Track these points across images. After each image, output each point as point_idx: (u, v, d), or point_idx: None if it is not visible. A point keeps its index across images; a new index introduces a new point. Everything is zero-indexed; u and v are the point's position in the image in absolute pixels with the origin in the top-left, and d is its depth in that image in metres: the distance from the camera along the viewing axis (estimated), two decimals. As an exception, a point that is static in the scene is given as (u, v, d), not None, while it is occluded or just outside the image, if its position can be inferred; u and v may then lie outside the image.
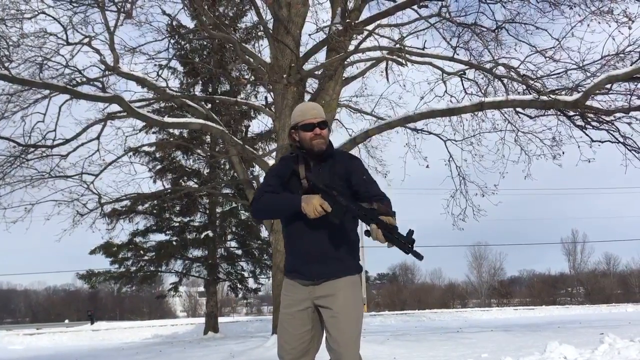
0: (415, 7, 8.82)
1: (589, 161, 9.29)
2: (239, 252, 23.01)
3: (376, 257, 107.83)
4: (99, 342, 21.61)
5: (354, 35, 9.36)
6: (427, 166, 10.99)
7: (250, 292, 23.49)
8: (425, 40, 11.68)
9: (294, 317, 2.87)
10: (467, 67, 9.79)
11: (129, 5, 8.45)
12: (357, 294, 2.89)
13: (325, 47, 9.37)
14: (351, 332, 2.83)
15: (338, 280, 2.84)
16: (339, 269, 2.85)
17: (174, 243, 21.45)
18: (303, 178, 2.82)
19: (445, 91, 10.46)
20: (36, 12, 8.89)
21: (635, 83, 8.57)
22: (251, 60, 9.49)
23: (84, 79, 9.67)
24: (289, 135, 2.95)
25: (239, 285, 23.25)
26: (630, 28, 8.21)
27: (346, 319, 2.81)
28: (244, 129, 20.64)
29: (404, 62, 9.22)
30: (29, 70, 9.17)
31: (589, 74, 8.90)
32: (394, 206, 2.64)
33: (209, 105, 14.69)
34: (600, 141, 9.20)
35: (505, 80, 9.59)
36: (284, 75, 8.64)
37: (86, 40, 9.20)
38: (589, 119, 9.21)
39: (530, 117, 10.04)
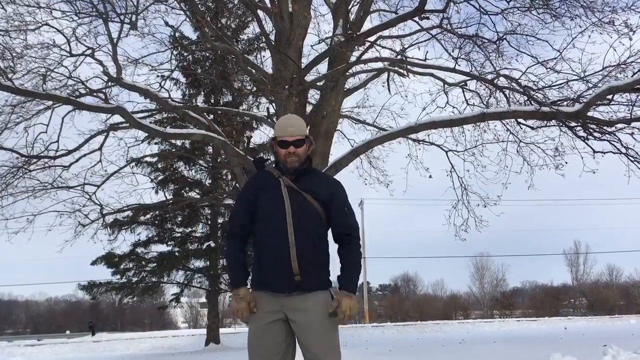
0: (416, 18, 8.84)
1: (594, 172, 9.25)
2: (241, 263, 22.94)
3: (378, 268, 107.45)
4: (100, 354, 21.54)
5: (356, 47, 9.39)
6: (430, 176, 10.96)
7: (252, 303, 23.37)
8: (427, 52, 11.61)
9: (266, 330, 2.82)
10: (469, 78, 9.78)
11: (134, 17, 8.48)
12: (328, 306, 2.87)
13: (327, 58, 9.39)
14: (329, 343, 2.80)
15: (309, 294, 2.81)
16: (310, 284, 2.82)
17: (176, 254, 21.42)
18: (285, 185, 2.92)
19: (447, 102, 10.45)
20: (40, 24, 8.93)
21: (637, 94, 8.55)
22: (253, 71, 9.53)
23: (87, 90, 9.70)
24: (270, 145, 3.03)
25: (241, 296, 23.17)
26: (631, 39, 8.23)
27: (321, 331, 2.79)
28: (246, 140, 20.66)
29: (405, 73, 9.24)
30: (32, 81, 9.20)
31: (590, 85, 8.89)
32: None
33: (211, 116, 14.69)
34: (602, 152, 9.16)
35: (506, 92, 9.59)
36: (286, 87, 8.66)
37: (89, 51, 9.23)
38: (591, 130, 9.19)
39: (532, 128, 10.02)
